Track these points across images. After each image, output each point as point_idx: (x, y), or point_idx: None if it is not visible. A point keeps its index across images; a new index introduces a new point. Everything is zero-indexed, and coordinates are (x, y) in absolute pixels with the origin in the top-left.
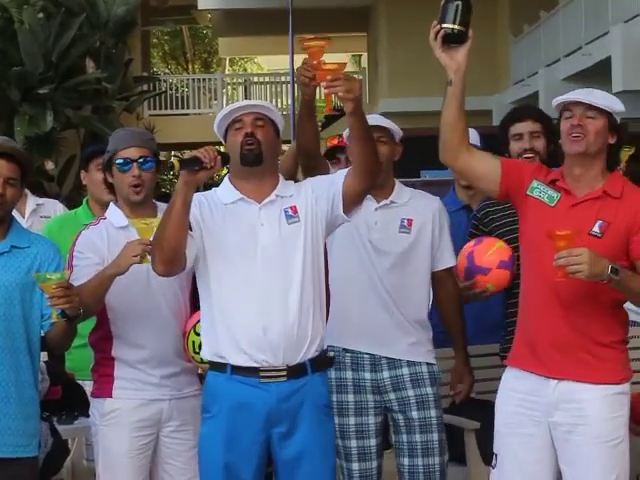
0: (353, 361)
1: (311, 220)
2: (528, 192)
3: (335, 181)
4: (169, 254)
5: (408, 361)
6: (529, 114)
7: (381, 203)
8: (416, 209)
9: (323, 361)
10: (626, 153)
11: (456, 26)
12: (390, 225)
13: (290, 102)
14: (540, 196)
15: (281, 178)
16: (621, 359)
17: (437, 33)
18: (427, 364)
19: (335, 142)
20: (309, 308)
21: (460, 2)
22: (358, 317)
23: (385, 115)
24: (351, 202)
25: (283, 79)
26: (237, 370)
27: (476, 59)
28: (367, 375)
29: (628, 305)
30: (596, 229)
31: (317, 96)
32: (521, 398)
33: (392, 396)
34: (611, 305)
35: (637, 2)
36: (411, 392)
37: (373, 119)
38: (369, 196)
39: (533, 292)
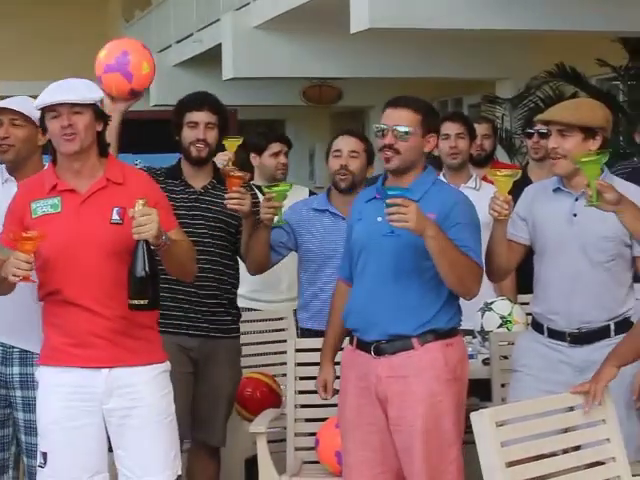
0: None
1: None
2: (33, 216)
3: None
4: None
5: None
6: (207, 104)
7: None
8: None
9: None
10: (234, 144)
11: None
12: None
13: None
14: (45, 210)
15: None
16: (159, 338)
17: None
18: None
19: None
20: None
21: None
22: None
23: None
24: None
25: None
26: None
27: (86, 44)
28: None
29: None
30: (116, 217)
31: None
32: (70, 392)
33: (18, 393)
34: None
35: None
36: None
37: (6, 103)
38: None
39: None
